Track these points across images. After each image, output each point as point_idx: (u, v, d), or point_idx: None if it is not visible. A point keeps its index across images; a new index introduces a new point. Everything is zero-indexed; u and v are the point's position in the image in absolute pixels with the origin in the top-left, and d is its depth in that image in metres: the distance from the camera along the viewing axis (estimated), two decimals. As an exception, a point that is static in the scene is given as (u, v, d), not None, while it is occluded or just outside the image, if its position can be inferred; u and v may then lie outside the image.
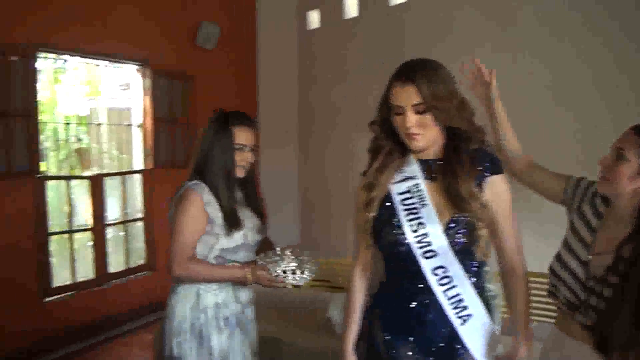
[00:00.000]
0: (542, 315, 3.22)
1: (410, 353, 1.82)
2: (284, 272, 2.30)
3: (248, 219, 2.46)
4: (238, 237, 2.40)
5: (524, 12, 5.09)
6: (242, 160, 2.42)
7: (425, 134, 1.77)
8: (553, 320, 3.12)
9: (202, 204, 2.33)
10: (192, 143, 5.75)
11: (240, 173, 2.43)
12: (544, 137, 4.87)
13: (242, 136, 2.41)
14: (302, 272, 2.32)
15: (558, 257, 1.98)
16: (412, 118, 1.75)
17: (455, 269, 1.77)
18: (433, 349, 1.80)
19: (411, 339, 1.82)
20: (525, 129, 4.79)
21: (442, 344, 1.80)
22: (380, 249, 1.90)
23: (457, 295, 1.78)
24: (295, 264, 2.33)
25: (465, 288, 1.79)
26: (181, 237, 2.32)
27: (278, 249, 2.40)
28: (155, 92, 5.56)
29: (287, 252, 2.36)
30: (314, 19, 6.70)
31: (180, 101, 5.85)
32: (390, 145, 1.88)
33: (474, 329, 1.80)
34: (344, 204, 6.29)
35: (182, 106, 5.86)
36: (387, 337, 1.86)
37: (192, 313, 2.37)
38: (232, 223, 2.36)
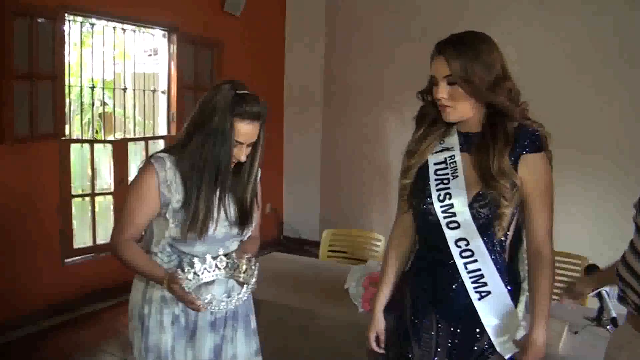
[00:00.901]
0: (558, 294, 3.19)
1: (434, 322, 1.85)
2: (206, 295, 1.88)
3: (224, 208, 2.08)
4: (195, 231, 2.01)
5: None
6: (238, 155, 2.01)
7: (456, 107, 1.77)
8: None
9: (156, 183, 1.97)
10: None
11: (231, 165, 2.03)
12: (571, 107, 4.81)
13: (244, 132, 1.98)
14: (231, 296, 1.94)
15: (624, 261, 1.90)
16: (442, 89, 1.75)
17: (477, 243, 1.77)
18: (455, 320, 1.83)
19: (435, 308, 1.85)
20: (548, 98, 4.81)
21: (464, 316, 1.81)
22: (414, 216, 1.92)
23: (478, 270, 1.78)
24: (222, 289, 2.05)
25: (486, 263, 1.78)
26: (124, 214, 2.03)
27: (222, 257, 2.01)
28: (181, 59, 5.54)
29: (221, 267, 1.99)
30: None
31: (207, 68, 5.82)
32: (434, 114, 1.87)
33: (491, 306, 1.79)
34: (366, 176, 6.34)
35: (208, 73, 5.83)
36: (414, 305, 1.90)
37: (140, 301, 2.15)
38: (193, 227, 1.99)
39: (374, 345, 2.02)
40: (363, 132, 6.35)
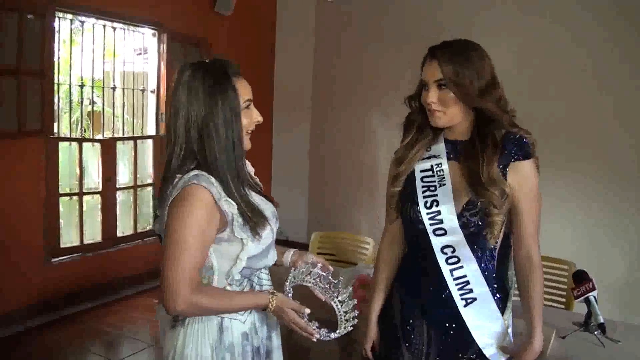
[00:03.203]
0: (546, 299, 3.21)
1: (424, 327, 1.87)
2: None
3: (264, 205, 1.80)
4: (267, 233, 1.75)
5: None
6: (250, 124, 1.77)
7: (446, 112, 1.78)
8: (559, 305, 3.15)
9: (213, 202, 1.62)
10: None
11: (248, 143, 1.78)
12: (559, 112, 4.84)
13: (246, 88, 1.75)
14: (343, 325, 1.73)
15: None
16: (433, 93, 1.77)
17: (465, 251, 1.77)
18: (444, 327, 1.83)
19: (423, 314, 1.87)
20: (537, 104, 4.84)
21: (452, 323, 1.82)
22: (403, 223, 1.94)
23: (464, 276, 1.79)
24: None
25: (472, 271, 1.78)
26: (186, 259, 1.57)
27: (311, 262, 1.85)
28: (170, 58, 5.51)
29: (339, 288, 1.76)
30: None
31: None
32: (422, 121, 1.88)
33: (478, 313, 1.80)
34: (354, 178, 6.34)
35: (198, 73, 5.79)
36: (403, 310, 1.92)
37: (213, 354, 1.71)
38: (258, 220, 1.71)
39: (370, 354, 2.03)
40: (352, 134, 6.35)
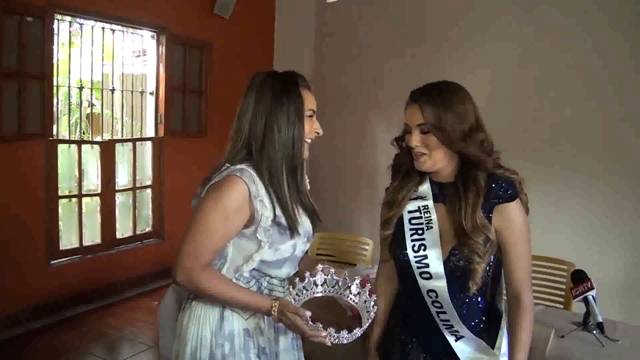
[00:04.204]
0: (545, 299, 3.23)
1: (421, 354, 1.91)
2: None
3: (303, 220, 1.86)
4: (287, 247, 1.80)
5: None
6: (311, 132, 1.84)
7: (430, 155, 1.79)
8: (558, 305, 3.16)
9: (248, 198, 1.70)
10: (205, 112, 5.80)
11: (306, 152, 1.84)
12: (557, 115, 4.85)
13: (311, 100, 1.83)
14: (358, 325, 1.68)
15: None
16: (416, 137, 1.78)
17: (445, 297, 1.78)
18: (439, 349, 1.86)
19: (419, 343, 1.91)
20: (535, 108, 4.85)
21: (447, 352, 1.84)
22: (394, 264, 1.95)
23: (447, 320, 1.81)
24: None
25: (454, 317, 1.80)
26: (202, 236, 1.68)
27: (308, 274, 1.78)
28: (170, 60, 5.53)
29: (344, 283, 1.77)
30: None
31: (196, 70, 5.82)
32: (409, 163, 1.88)
33: (468, 346, 1.82)
34: (354, 180, 6.34)
35: (197, 75, 5.83)
36: (401, 340, 1.95)
37: (212, 339, 1.79)
38: (293, 228, 1.77)
39: None
40: (351, 135, 6.34)
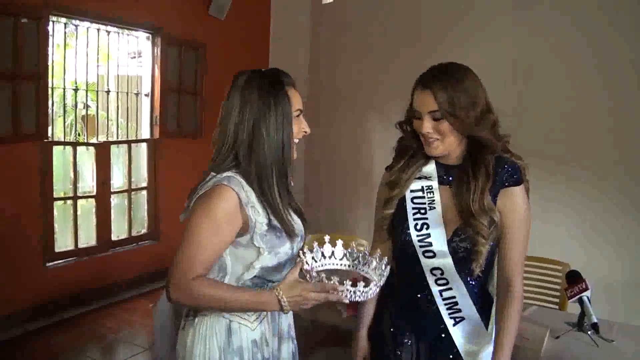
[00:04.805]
0: (540, 300, 3.24)
1: (413, 341, 1.89)
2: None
3: (295, 220, 1.82)
4: (286, 250, 1.75)
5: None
6: (299, 133, 1.79)
7: (442, 141, 1.77)
8: (553, 305, 3.17)
9: (238, 205, 1.64)
10: (200, 113, 5.80)
11: (295, 153, 1.79)
12: (554, 116, 4.86)
13: (298, 99, 1.78)
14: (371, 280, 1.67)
15: None
16: (427, 124, 1.76)
17: (452, 273, 1.79)
18: (432, 343, 1.86)
19: (413, 328, 1.89)
20: (534, 108, 4.86)
21: (440, 339, 1.84)
22: (393, 244, 1.93)
23: (453, 297, 1.81)
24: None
25: (460, 292, 1.80)
26: (193, 249, 1.61)
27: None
28: (165, 61, 5.52)
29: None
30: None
31: (191, 71, 5.81)
32: (415, 146, 1.88)
33: (466, 331, 1.82)
34: (349, 180, 6.35)
35: (192, 76, 5.82)
36: (392, 325, 1.94)
37: (222, 355, 1.70)
38: (290, 232, 1.73)
39: None
40: (347, 136, 6.35)
